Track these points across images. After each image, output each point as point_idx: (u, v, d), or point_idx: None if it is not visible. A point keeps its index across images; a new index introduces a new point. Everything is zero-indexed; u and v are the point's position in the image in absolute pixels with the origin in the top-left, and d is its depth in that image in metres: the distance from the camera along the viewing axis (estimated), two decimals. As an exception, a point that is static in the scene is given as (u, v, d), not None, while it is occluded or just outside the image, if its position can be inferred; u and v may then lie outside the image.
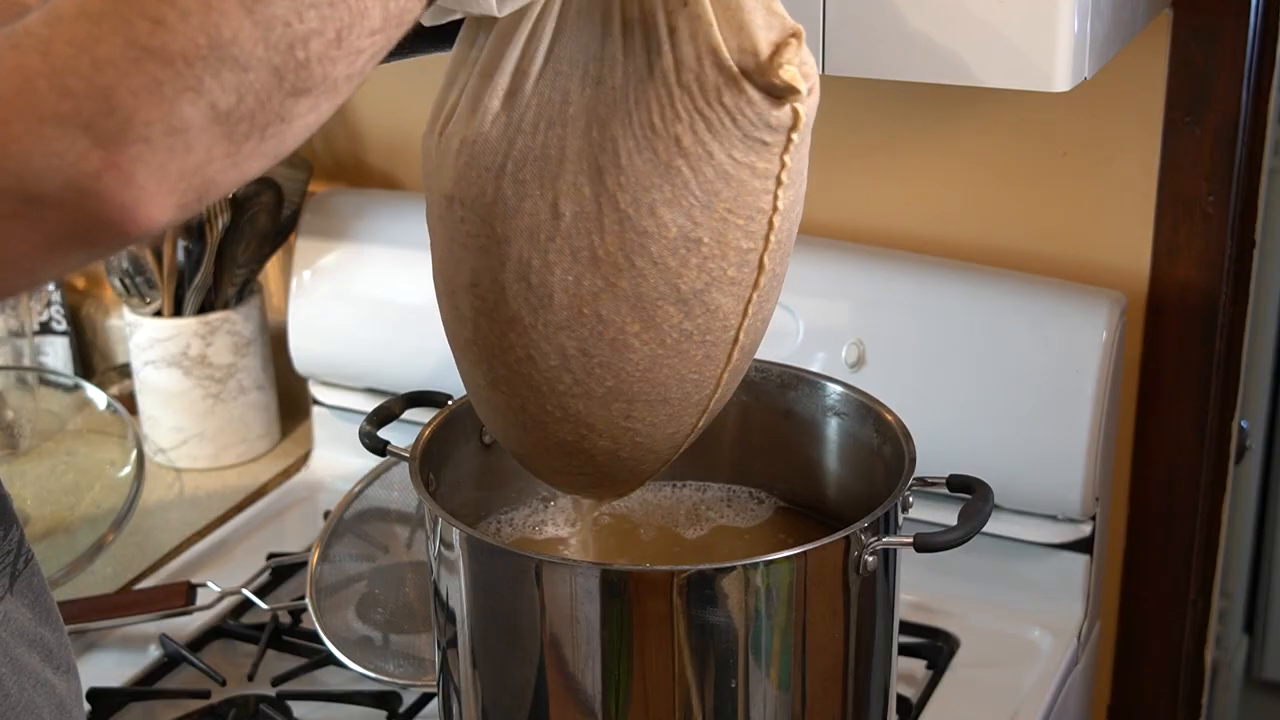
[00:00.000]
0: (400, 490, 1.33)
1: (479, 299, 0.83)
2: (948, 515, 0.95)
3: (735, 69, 0.76)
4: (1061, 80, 0.97)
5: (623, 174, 0.79)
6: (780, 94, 0.77)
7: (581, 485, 0.94)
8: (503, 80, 0.80)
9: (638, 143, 0.78)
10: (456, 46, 0.84)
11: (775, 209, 0.81)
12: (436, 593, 0.97)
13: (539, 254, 0.80)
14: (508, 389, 0.85)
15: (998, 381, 1.25)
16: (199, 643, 1.29)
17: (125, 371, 1.69)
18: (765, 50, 0.76)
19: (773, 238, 0.82)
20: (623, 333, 0.82)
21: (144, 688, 1.25)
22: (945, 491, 0.98)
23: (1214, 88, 1.22)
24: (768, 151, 0.79)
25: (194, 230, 1.49)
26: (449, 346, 0.90)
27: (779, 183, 0.80)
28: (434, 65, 1.52)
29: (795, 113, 0.78)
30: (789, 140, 0.79)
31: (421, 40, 0.81)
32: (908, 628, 1.27)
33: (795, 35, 0.77)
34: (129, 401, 1.60)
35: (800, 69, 0.77)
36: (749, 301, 0.84)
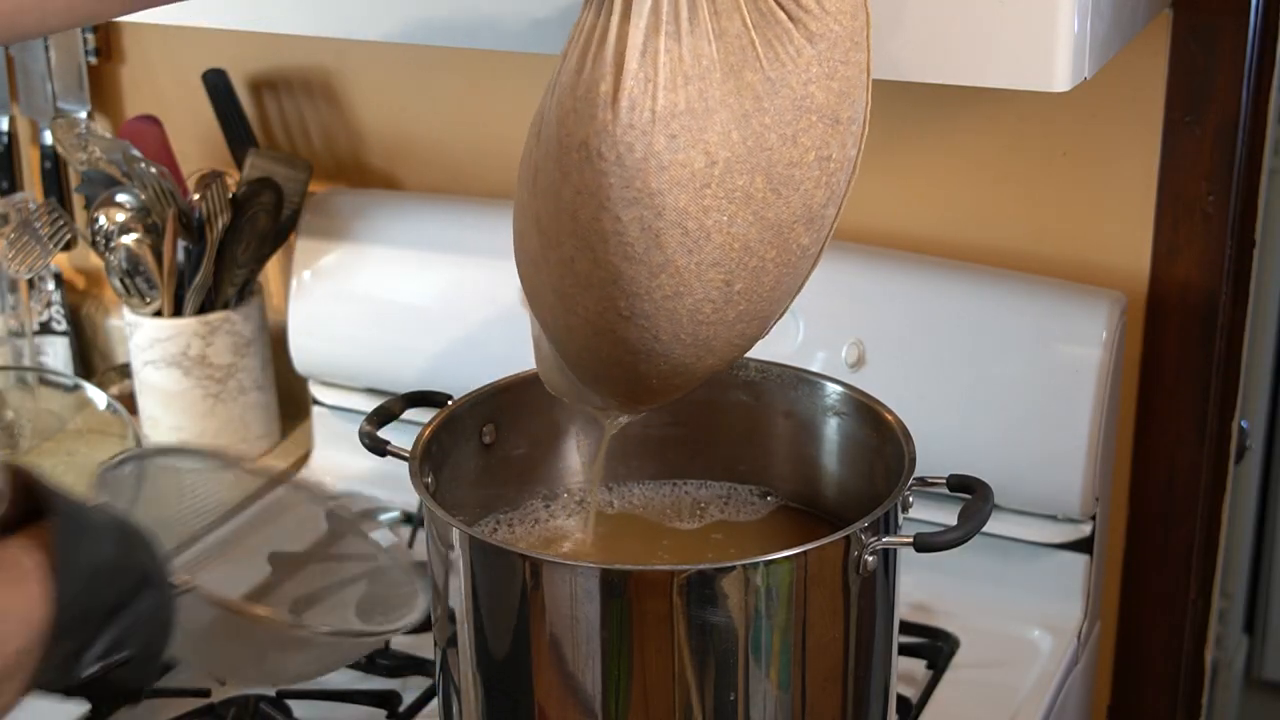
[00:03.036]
0: (400, 490, 1.33)
1: (626, 245, 0.85)
2: (948, 515, 0.95)
3: None
4: (1061, 80, 0.97)
5: (766, 115, 0.85)
6: None
7: (638, 398, 0.97)
8: (638, 39, 0.83)
9: (773, 84, 0.85)
10: (584, 5, 0.87)
11: (868, 102, 0.89)
12: (436, 593, 0.97)
13: (695, 201, 0.85)
14: (645, 323, 0.88)
15: (998, 381, 1.25)
16: (199, 642, 1.29)
17: (125, 371, 1.69)
18: None
19: (864, 136, 0.90)
20: (763, 260, 0.88)
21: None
22: (945, 491, 0.98)
23: (1214, 88, 1.22)
24: (863, 40, 0.87)
25: (194, 230, 1.49)
26: (532, 289, 0.93)
27: (868, 73, 0.88)
28: (435, 66, 1.52)
29: None
30: (868, 18, 0.87)
31: None
32: (908, 628, 1.27)
33: None
34: (129, 401, 1.60)
35: None
36: (840, 208, 0.91)
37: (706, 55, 0.84)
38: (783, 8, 0.85)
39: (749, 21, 0.85)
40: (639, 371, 0.92)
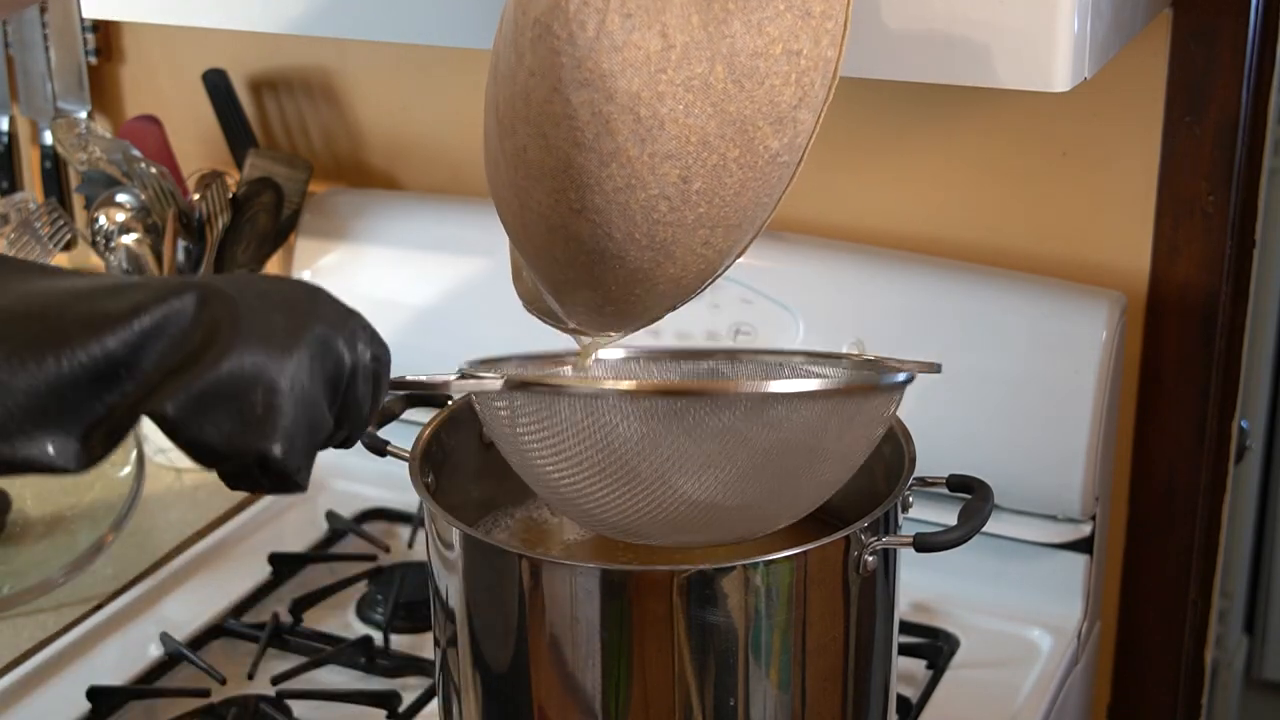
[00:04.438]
0: (400, 490, 1.33)
1: (576, 131, 0.82)
2: (948, 515, 0.95)
3: None
4: (1061, 80, 0.97)
5: None
6: None
7: (606, 317, 0.93)
8: None
9: None
10: None
11: (849, 2, 0.84)
12: (436, 593, 0.97)
13: (649, 87, 0.81)
14: (597, 217, 0.85)
15: (998, 381, 1.25)
16: (199, 641, 1.29)
17: (125, 371, 1.69)
18: None
19: (846, 39, 0.85)
20: (724, 158, 0.83)
21: (144, 686, 1.25)
22: (945, 491, 0.98)
23: (1214, 88, 1.22)
24: None
25: (194, 230, 1.49)
26: (493, 185, 0.90)
27: None
28: (435, 66, 1.52)
29: None
30: None
31: None
32: (908, 628, 1.27)
33: None
34: (129, 401, 1.60)
35: None
36: (820, 113, 0.86)
37: None
38: None
39: None
40: (595, 275, 0.88)
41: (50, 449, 0.64)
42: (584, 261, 0.88)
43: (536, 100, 0.83)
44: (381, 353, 0.75)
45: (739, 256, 0.92)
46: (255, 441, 0.67)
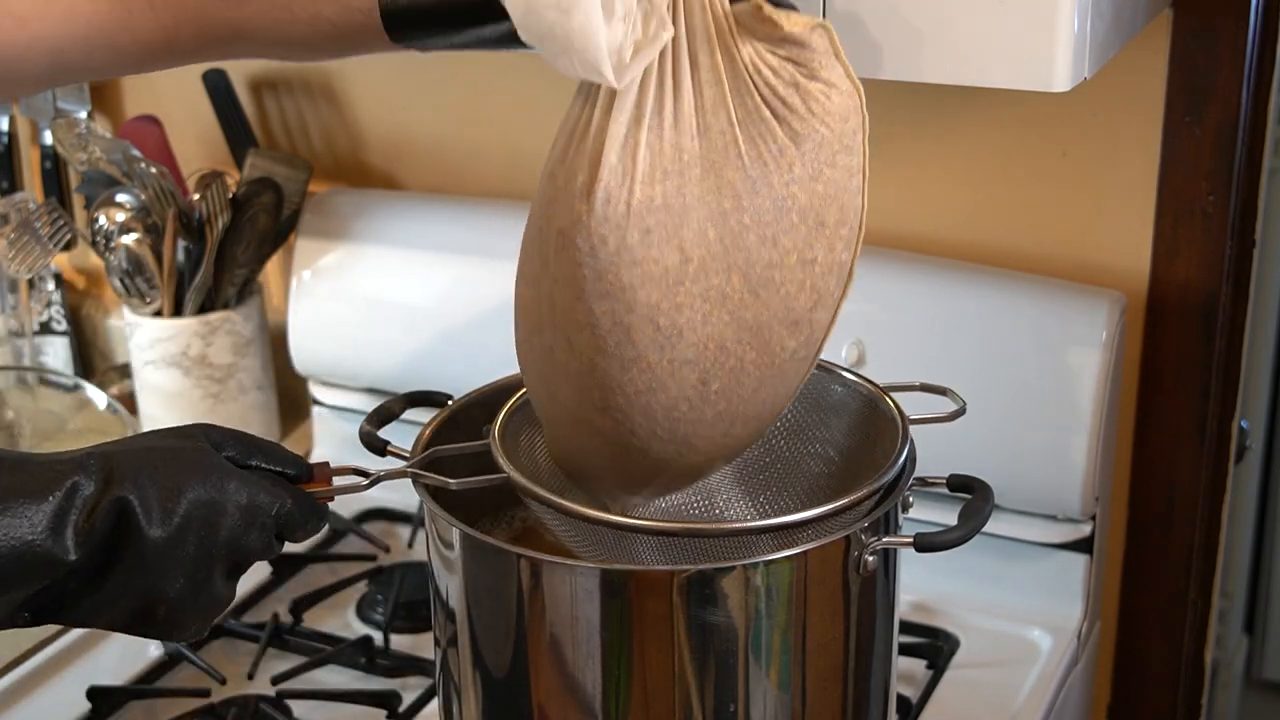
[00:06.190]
0: (400, 490, 1.33)
1: (599, 339, 0.85)
2: (948, 515, 0.95)
3: (794, 73, 0.83)
4: (1061, 80, 0.97)
5: (745, 214, 0.83)
6: (798, 42, 0.82)
7: (645, 494, 0.97)
8: (619, 131, 0.82)
9: (754, 184, 0.83)
10: (576, 95, 0.85)
11: (864, 206, 0.87)
12: (436, 593, 0.97)
13: (667, 298, 0.83)
14: (620, 416, 0.87)
15: (998, 381, 1.25)
16: (199, 641, 1.29)
17: (125, 371, 1.69)
18: (794, 27, 0.83)
19: (860, 241, 0.88)
20: (741, 361, 0.86)
21: (144, 686, 1.25)
22: (945, 491, 0.98)
23: (1214, 88, 1.22)
24: (856, 145, 0.85)
25: (194, 230, 1.49)
26: (523, 370, 0.93)
27: (864, 176, 0.86)
28: (435, 66, 1.52)
29: (828, 32, 0.83)
30: (863, 122, 0.85)
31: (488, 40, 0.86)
32: (908, 628, 1.27)
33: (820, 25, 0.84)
34: (129, 401, 1.60)
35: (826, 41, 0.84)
36: (836, 311, 0.89)
37: (688, 150, 0.83)
38: (768, 105, 0.83)
39: (734, 118, 0.83)
40: (620, 464, 0.91)
41: None
42: (609, 452, 0.91)
43: (561, 307, 0.85)
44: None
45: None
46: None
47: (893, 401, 0.99)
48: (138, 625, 0.82)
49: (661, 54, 0.82)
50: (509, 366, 1.10)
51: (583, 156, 0.83)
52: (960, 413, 1.00)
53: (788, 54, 0.83)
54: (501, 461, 0.93)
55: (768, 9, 0.82)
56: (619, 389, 0.86)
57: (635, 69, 0.80)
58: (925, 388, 1.02)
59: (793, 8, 0.86)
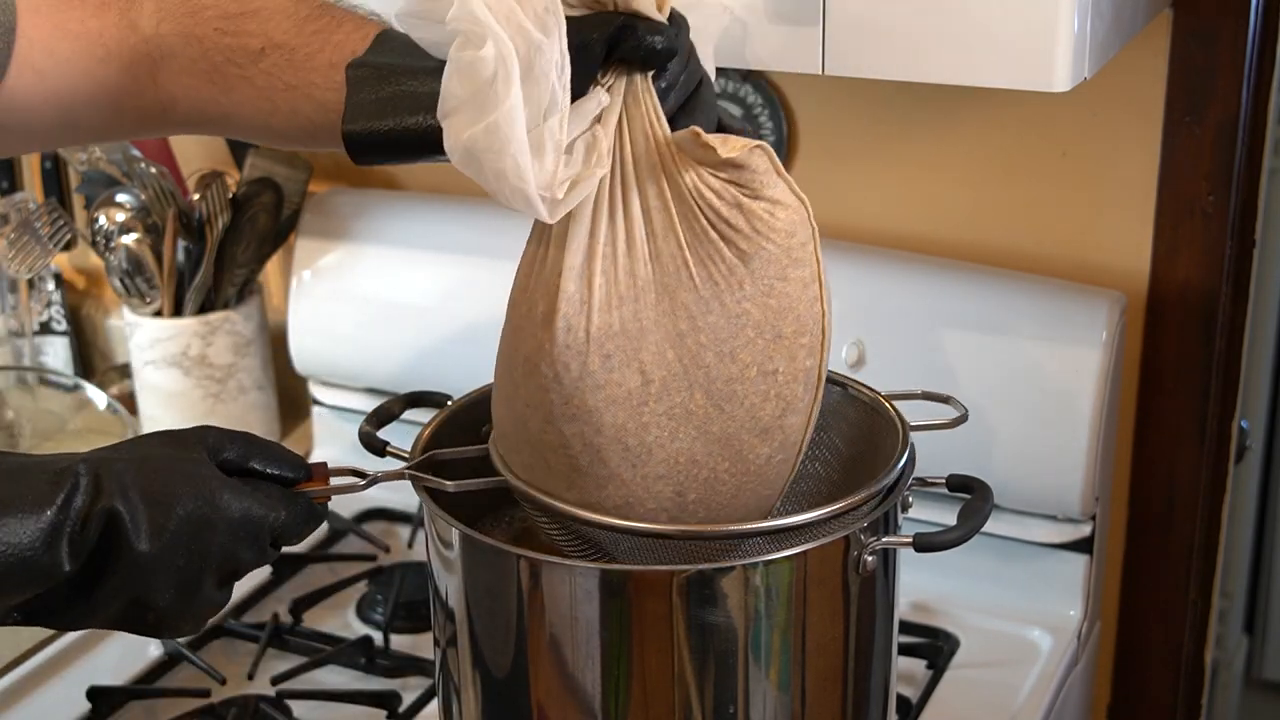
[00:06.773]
0: (400, 490, 1.33)
1: (572, 459, 0.87)
2: (948, 515, 0.95)
3: (737, 195, 0.84)
4: (1061, 80, 0.97)
5: (701, 333, 0.85)
6: (736, 165, 0.84)
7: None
8: (574, 261, 0.84)
9: (707, 303, 0.85)
10: (532, 227, 0.88)
11: (825, 313, 0.88)
12: (436, 593, 0.97)
13: (633, 419, 0.86)
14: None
15: (997, 381, 1.25)
16: (199, 641, 1.29)
17: (125, 371, 1.69)
18: (733, 153, 0.84)
19: (826, 346, 0.89)
20: (714, 471, 0.88)
21: (144, 686, 1.25)
22: (945, 491, 0.98)
23: (1214, 88, 1.22)
24: (806, 257, 0.87)
25: (194, 230, 1.49)
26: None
27: (820, 284, 0.88)
28: (434, 65, 1.51)
29: (765, 152, 0.85)
30: (813, 234, 0.87)
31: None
32: (908, 628, 1.27)
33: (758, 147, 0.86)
34: (129, 401, 1.60)
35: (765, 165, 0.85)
36: (811, 414, 0.90)
37: (642, 276, 0.85)
38: (714, 227, 0.85)
39: (683, 241, 0.85)
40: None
41: None
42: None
43: (533, 429, 0.88)
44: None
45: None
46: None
47: (894, 408, 0.99)
48: (128, 627, 0.83)
49: (611, 183, 0.85)
50: (509, 366, 1.10)
51: (542, 286, 0.85)
52: (962, 419, 1.00)
53: (729, 176, 0.85)
54: (499, 465, 0.93)
55: (704, 136, 0.84)
56: (598, 504, 0.88)
57: (570, 202, 0.82)
58: (928, 396, 1.03)
59: (736, 130, 0.89)
